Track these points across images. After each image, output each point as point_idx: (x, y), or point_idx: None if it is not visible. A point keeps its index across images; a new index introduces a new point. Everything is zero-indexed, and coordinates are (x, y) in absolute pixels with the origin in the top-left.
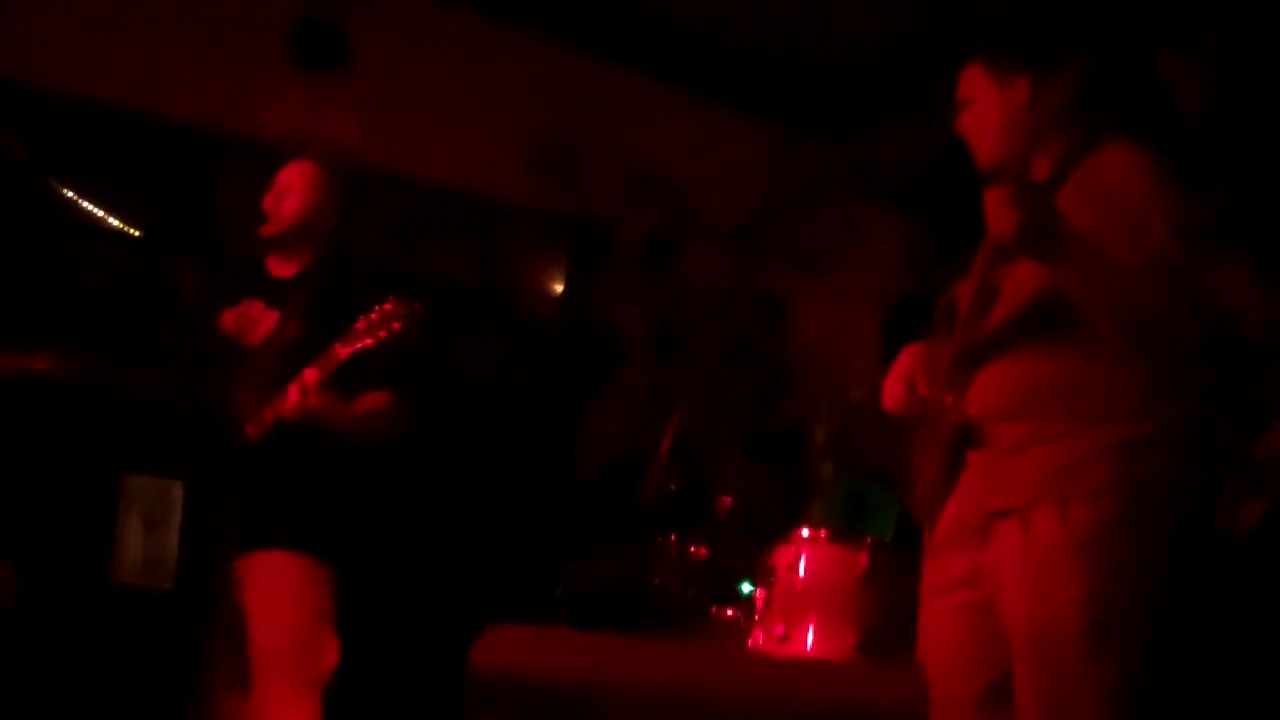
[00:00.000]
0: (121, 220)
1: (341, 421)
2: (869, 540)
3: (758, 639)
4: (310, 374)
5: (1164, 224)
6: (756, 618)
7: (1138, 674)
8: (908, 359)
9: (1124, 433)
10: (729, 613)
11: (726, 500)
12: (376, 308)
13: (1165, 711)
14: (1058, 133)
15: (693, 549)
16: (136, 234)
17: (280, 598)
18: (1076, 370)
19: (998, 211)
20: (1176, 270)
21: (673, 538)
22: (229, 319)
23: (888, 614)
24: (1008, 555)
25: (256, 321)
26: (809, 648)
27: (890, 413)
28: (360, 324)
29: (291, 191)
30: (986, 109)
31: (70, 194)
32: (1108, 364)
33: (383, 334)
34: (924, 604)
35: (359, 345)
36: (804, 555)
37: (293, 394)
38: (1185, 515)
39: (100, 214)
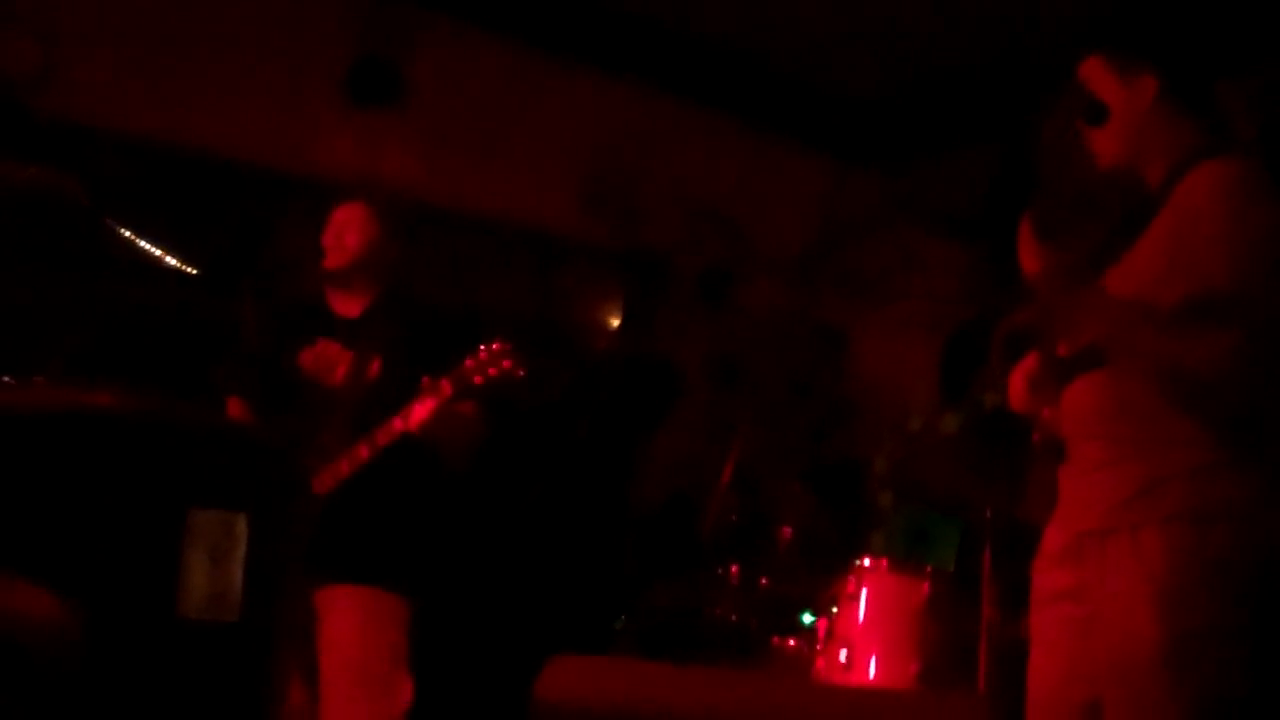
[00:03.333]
0: (178, 259)
1: (452, 433)
2: (929, 569)
3: (820, 668)
4: (445, 385)
5: (1226, 259)
6: (818, 647)
7: (1218, 704)
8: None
9: (1195, 458)
10: (791, 643)
11: (787, 531)
12: (483, 348)
13: None
14: (1175, 137)
15: (754, 579)
16: (193, 272)
17: (356, 635)
18: (1151, 391)
19: (1023, 251)
20: (1235, 314)
21: (734, 568)
22: (306, 359)
23: (949, 643)
24: (1094, 578)
25: (334, 362)
26: (871, 677)
27: (1015, 411)
28: (469, 363)
29: (351, 227)
30: (1114, 106)
31: (127, 233)
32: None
33: (492, 372)
34: (1033, 615)
35: (468, 384)
36: (865, 585)
37: (422, 406)
38: (1261, 541)
39: (157, 253)
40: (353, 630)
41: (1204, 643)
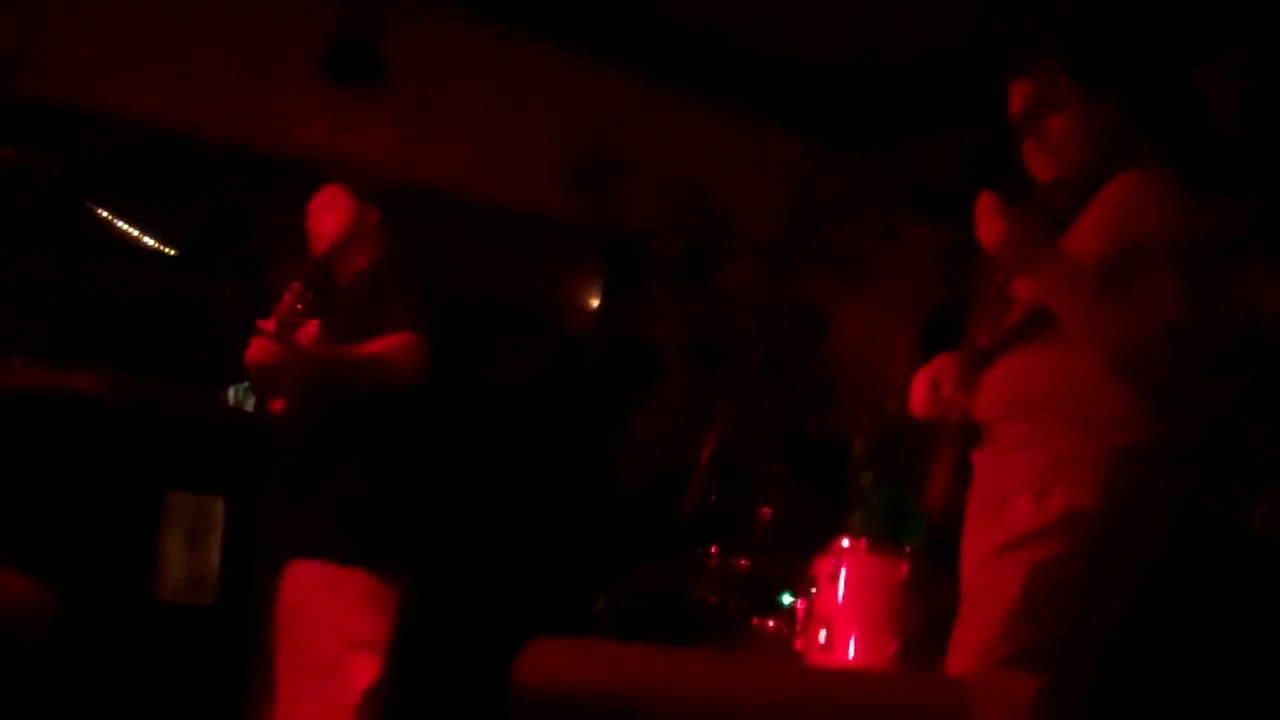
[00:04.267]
0: (157, 240)
1: (337, 362)
2: (908, 549)
3: (799, 649)
4: (263, 324)
5: (1159, 257)
6: (798, 628)
7: (1054, 650)
8: (937, 363)
9: (1116, 440)
10: (770, 623)
11: (766, 511)
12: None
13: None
14: (1113, 150)
15: (733, 560)
16: (172, 253)
17: (308, 615)
18: (1075, 375)
19: (985, 220)
20: (1168, 302)
21: (713, 549)
22: None
23: (928, 622)
24: (988, 540)
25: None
26: (850, 657)
27: (916, 416)
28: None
29: (325, 212)
30: (1073, 121)
31: (106, 214)
32: (1107, 370)
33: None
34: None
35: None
36: (844, 565)
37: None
38: (1155, 520)
39: (136, 234)
40: (300, 609)
41: (1060, 603)
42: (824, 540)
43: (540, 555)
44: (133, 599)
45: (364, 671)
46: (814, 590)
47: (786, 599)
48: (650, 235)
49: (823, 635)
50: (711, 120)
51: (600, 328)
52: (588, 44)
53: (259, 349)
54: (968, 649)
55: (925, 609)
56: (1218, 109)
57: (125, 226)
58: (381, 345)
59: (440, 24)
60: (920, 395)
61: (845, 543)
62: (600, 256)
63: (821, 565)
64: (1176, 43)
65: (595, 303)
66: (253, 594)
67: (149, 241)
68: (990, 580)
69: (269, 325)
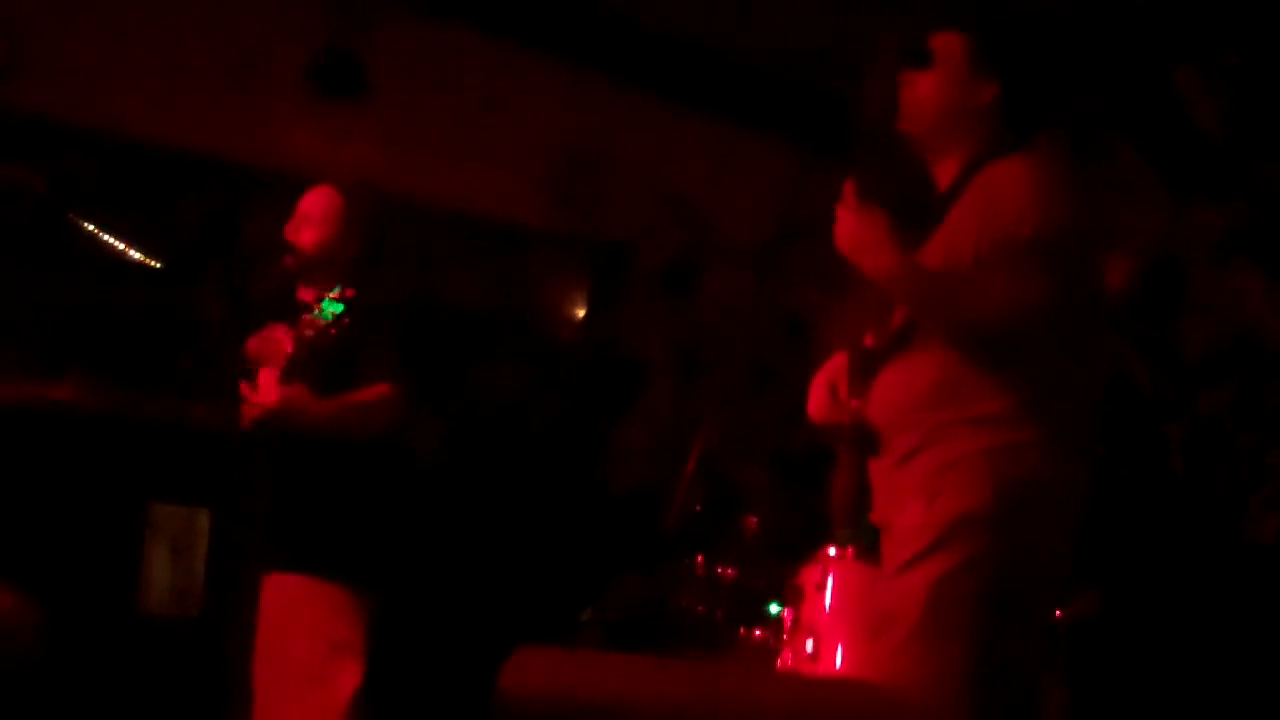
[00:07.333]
0: (143, 253)
1: (320, 418)
2: None
3: (786, 659)
4: (265, 373)
5: (1025, 246)
6: (785, 637)
7: (971, 666)
8: (833, 364)
9: (1003, 436)
10: (757, 633)
11: (753, 521)
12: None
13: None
14: (982, 136)
15: (720, 570)
16: (158, 266)
17: (289, 624)
18: (959, 374)
19: (841, 218)
20: (1030, 289)
21: (699, 559)
22: (253, 344)
23: None
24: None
25: (280, 344)
26: (838, 667)
27: (813, 420)
28: (305, 316)
29: (312, 220)
30: (949, 87)
31: (91, 227)
32: (989, 365)
33: (320, 323)
34: None
35: (302, 334)
36: (831, 574)
37: (246, 393)
38: (1058, 517)
39: (121, 247)
40: (280, 619)
41: (969, 606)
42: (811, 549)
43: (527, 565)
44: (117, 610)
45: (349, 676)
46: (801, 599)
47: (774, 609)
48: (635, 244)
49: (810, 645)
50: (696, 129)
51: (585, 337)
52: (571, 55)
53: (270, 394)
54: (879, 674)
55: None
56: (1200, 112)
57: (111, 239)
58: (362, 397)
59: (424, 36)
60: (818, 399)
61: (832, 552)
62: (585, 266)
63: (809, 574)
64: (1159, 44)
65: (580, 313)
66: (238, 605)
67: (135, 254)
68: (893, 604)
69: (270, 373)
